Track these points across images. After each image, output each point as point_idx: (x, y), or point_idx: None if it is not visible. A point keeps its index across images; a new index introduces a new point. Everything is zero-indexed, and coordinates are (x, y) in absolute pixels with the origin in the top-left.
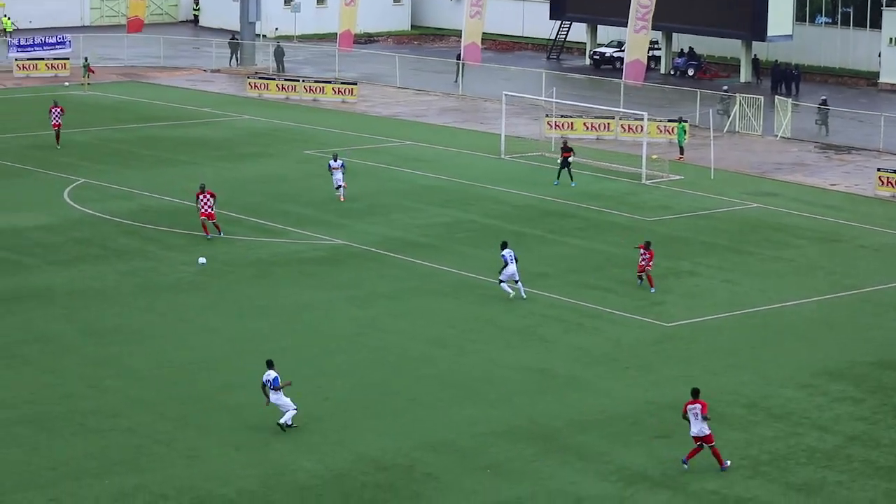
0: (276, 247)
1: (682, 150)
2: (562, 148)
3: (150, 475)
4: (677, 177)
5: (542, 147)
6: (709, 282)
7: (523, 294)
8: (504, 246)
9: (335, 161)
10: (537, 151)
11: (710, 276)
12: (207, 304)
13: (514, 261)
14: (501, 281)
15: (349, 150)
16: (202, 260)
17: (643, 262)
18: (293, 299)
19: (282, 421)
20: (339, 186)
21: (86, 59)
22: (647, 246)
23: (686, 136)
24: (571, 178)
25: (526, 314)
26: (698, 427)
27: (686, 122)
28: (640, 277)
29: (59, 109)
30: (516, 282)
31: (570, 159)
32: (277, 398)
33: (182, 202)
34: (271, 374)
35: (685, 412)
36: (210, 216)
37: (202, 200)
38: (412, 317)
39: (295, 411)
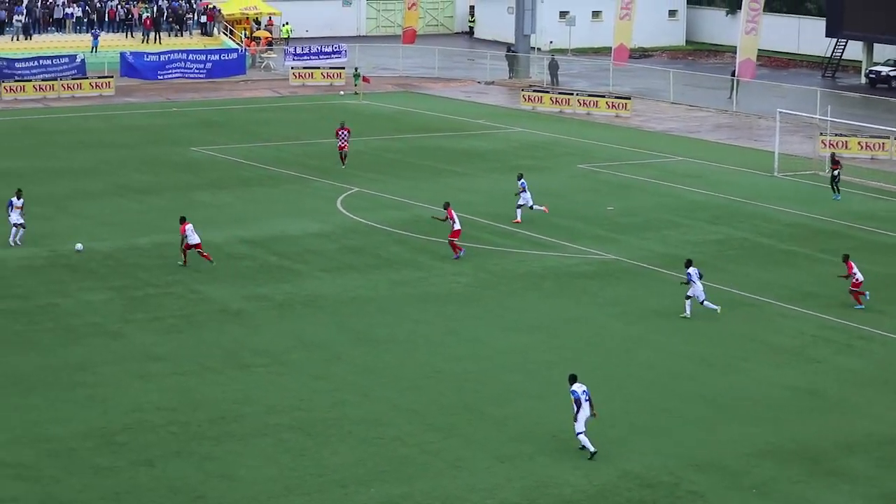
0: (548, 260)
1: None
2: (830, 160)
3: (416, 484)
4: None
5: (815, 166)
6: None
7: (715, 307)
8: (688, 264)
9: (520, 181)
10: (810, 170)
11: None
12: (477, 315)
13: (699, 279)
14: (688, 297)
15: (622, 165)
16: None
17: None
18: (562, 313)
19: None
20: (522, 206)
21: (356, 69)
22: (845, 259)
23: None
24: (837, 190)
25: (795, 334)
26: None
27: None
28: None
29: (346, 132)
30: (702, 302)
31: (837, 172)
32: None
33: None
34: (579, 388)
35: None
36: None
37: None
38: (681, 334)
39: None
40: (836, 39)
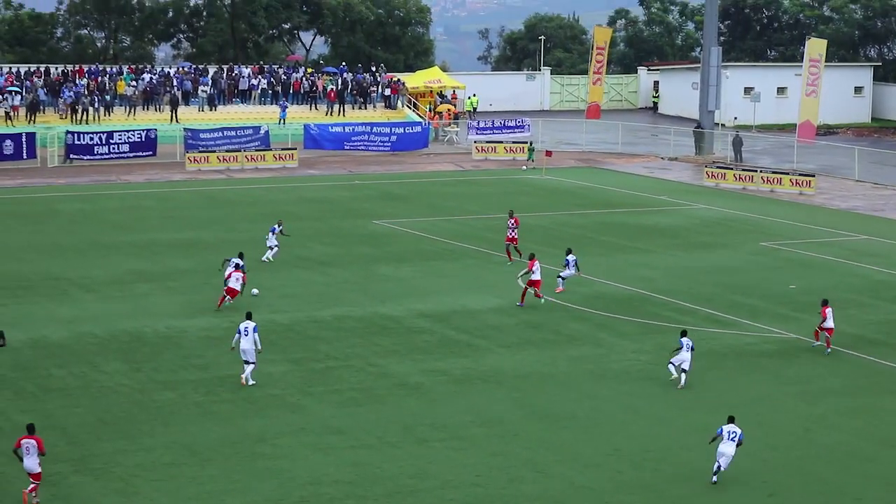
0: (728, 338)
1: None
2: None
3: None
4: None
5: None
6: None
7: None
8: (683, 334)
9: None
10: None
11: None
12: (657, 393)
13: (689, 349)
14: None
15: (805, 243)
16: (255, 291)
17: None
18: (743, 392)
19: None
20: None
21: (531, 143)
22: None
23: None
24: None
25: None
26: None
27: None
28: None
29: (514, 221)
30: (684, 370)
31: None
32: None
33: (635, 290)
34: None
35: None
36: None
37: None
38: (863, 415)
39: None
40: None
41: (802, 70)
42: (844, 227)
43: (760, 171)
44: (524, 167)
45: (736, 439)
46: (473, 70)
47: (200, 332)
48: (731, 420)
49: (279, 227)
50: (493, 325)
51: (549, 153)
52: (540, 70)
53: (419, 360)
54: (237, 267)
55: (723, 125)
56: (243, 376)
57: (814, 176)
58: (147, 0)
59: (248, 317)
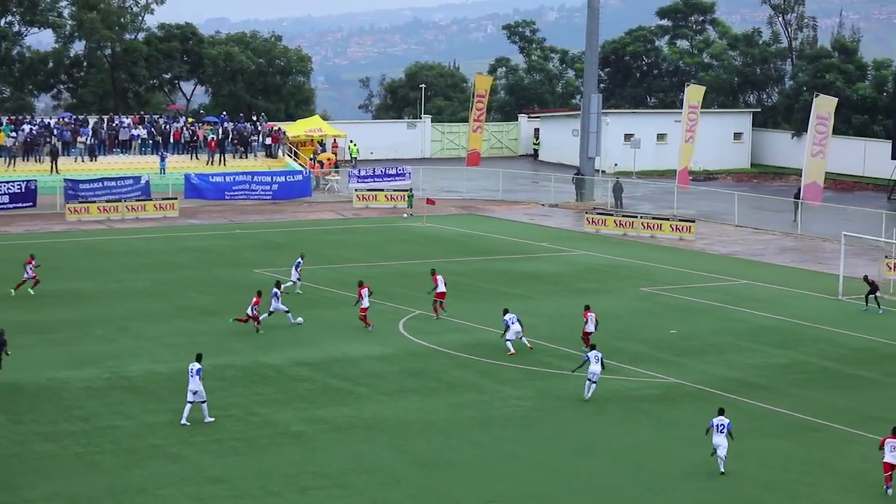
0: (610, 383)
1: None
2: (866, 281)
3: None
4: None
5: (881, 289)
6: None
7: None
8: (593, 347)
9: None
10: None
11: None
12: (539, 439)
13: (598, 362)
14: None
15: (685, 288)
16: (300, 320)
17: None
18: (625, 438)
19: None
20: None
21: (410, 190)
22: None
23: None
24: (879, 306)
25: (861, 458)
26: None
27: None
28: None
29: (437, 279)
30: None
31: (874, 294)
32: None
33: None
34: None
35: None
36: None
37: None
38: (746, 459)
39: None
40: None
41: (682, 117)
42: (724, 272)
43: (641, 217)
44: (405, 215)
45: (724, 430)
46: (354, 118)
47: (81, 382)
48: (720, 412)
49: (302, 259)
50: (374, 373)
51: (430, 201)
52: (421, 118)
53: (301, 409)
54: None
55: (603, 172)
56: (185, 418)
57: (694, 221)
58: (27, 51)
59: (198, 359)
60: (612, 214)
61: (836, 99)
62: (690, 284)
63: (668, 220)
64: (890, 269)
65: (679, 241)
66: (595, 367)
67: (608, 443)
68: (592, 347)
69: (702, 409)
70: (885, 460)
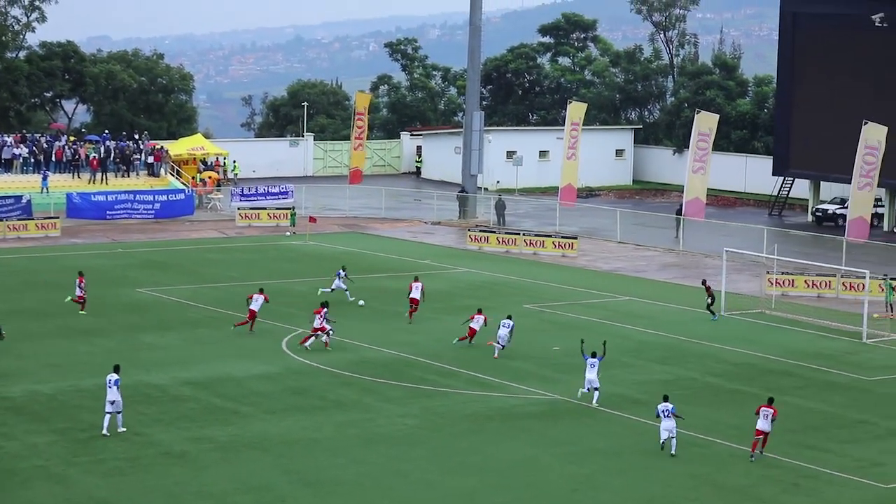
0: (493, 401)
1: (891, 308)
2: (704, 285)
3: None
4: None
5: (762, 304)
6: None
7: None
8: (594, 355)
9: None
10: (757, 308)
11: None
12: (424, 456)
13: (593, 367)
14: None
15: (568, 305)
16: (361, 302)
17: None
18: (508, 455)
19: None
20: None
21: (293, 208)
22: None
23: (893, 295)
24: (713, 313)
25: (744, 473)
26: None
27: (893, 279)
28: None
29: (322, 314)
30: (595, 389)
31: (711, 299)
32: None
33: (400, 354)
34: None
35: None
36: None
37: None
38: (629, 475)
39: None
40: (782, 178)
41: (564, 134)
42: (607, 288)
43: (523, 234)
44: (287, 233)
45: (669, 413)
46: (237, 136)
47: None
48: (665, 399)
49: (344, 272)
50: (258, 392)
51: (312, 219)
52: (303, 136)
53: (184, 429)
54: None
55: (486, 189)
56: (106, 428)
57: (576, 238)
58: None
59: (116, 370)
60: (494, 232)
61: (717, 115)
62: (573, 301)
63: (550, 237)
64: (771, 284)
65: (562, 257)
66: (591, 375)
67: (492, 460)
68: (594, 355)
69: (585, 426)
70: (757, 427)
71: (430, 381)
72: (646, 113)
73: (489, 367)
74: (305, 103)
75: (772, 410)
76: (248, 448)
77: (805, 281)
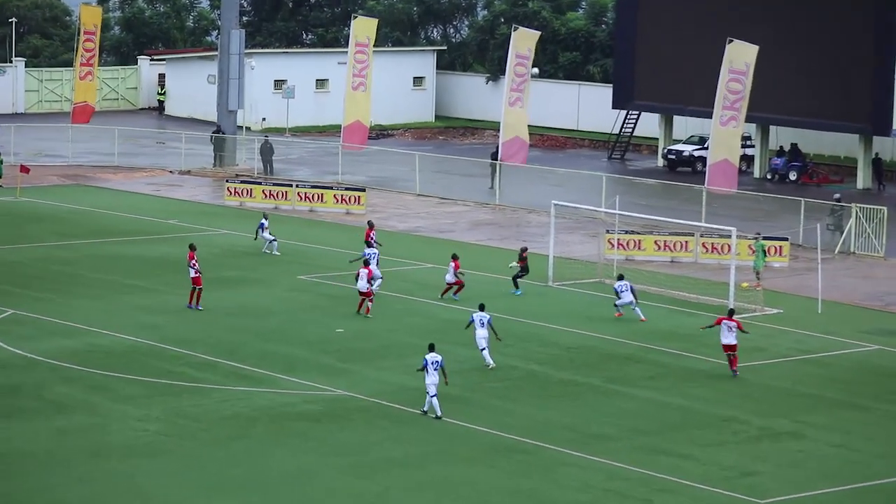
0: (259, 398)
1: (758, 276)
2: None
3: None
4: (774, 310)
5: (601, 272)
6: (815, 445)
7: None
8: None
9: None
10: (595, 278)
11: (816, 439)
12: (170, 471)
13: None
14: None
15: (353, 275)
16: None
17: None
18: (278, 467)
19: None
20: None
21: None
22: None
23: (765, 259)
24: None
25: (581, 487)
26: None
27: (764, 239)
28: None
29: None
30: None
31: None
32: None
33: (140, 340)
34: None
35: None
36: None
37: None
38: (433, 490)
39: None
40: (625, 112)
41: (348, 58)
42: (404, 253)
43: (297, 186)
44: None
45: (486, 323)
46: None
47: None
48: (481, 308)
49: (266, 220)
50: None
51: (25, 168)
52: (11, 62)
53: None
54: (366, 264)
55: (248, 129)
56: None
57: (364, 190)
58: None
59: None
60: (259, 183)
61: (540, 32)
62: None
63: (331, 188)
64: (612, 246)
65: (346, 215)
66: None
67: (258, 474)
68: (620, 277)
69: (377, 429)
70: (723, 342)
71: (178, 374)
72: (451, 31)
73: (254, 356)
74: (14, 19)
75: (735, 323)
76: None
77: (655, 242)
